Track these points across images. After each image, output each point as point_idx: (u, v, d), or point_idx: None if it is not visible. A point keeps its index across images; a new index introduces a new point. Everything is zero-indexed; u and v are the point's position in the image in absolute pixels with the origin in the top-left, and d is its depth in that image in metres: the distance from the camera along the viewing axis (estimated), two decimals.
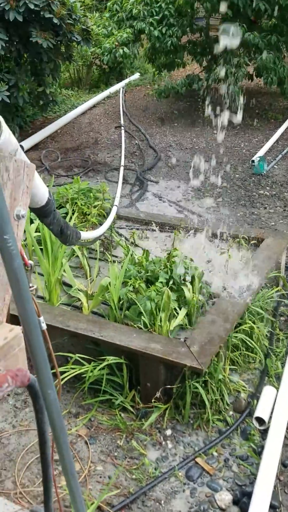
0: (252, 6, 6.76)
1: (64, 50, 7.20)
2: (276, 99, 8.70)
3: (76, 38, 6.74)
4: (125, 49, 7.79)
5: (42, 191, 1.30)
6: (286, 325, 3.35)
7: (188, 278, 3.08)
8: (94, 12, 10.68)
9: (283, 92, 7.85)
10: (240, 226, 4.67)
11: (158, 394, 2.54)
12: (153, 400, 2.55)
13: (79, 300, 3.10)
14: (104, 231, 3.31)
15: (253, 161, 6.10)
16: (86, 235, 2.29)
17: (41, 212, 1.39)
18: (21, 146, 4.70)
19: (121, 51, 7.79)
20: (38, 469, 2.34)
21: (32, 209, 1.37)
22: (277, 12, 6.75)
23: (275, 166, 6.18)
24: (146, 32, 7.66)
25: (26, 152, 6.96)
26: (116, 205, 4.29)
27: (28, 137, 7.35)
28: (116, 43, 7.75)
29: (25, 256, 1.13)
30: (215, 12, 7.41)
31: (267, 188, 5.61)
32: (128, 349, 2.58)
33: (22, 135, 7.49)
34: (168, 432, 2.53)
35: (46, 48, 6.37)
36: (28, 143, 7.17)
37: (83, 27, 6.78)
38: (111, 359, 2.59)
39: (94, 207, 4.11)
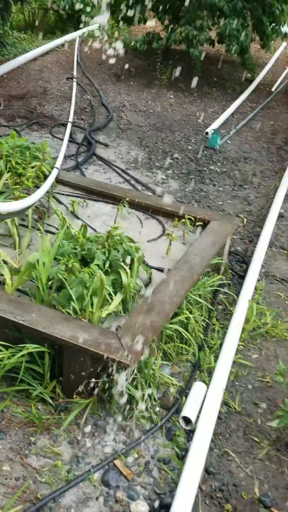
0: None
1: None
2: (236, 69, 8.41)
3: None
4: None
5: None
6: (223, 314, 3.21)
7: (127, 260, 2.84)
8: None
9: (244, 62, 7.58)
10: (187, 203, 4.46)
11: (81, 388, 2.32)
12: (74, 396, 2.33)
13: (3, 275, 2.78)
14: (35, 200, 2.96)
15: (207, 133, 5.85)
16: (8, 206, 1.96)
17: None
18: None
19: None
20: None
21: None
22: None
23: (228, 141, 5.96)
24: None
25: None
26: (57, 168, 3.92)
27: None
28: None
29: None
30: None
31: (218, 164, 5.40)
32: (52, 337, 2.33)
33: None
34: (88, 428, 2.33)
35: None
36: None
37: None
38: (31, 348, 2.33)
39: (32, 167, 3.73)
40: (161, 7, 7.49)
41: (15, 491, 2.02)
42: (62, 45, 8.98)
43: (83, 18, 9.87)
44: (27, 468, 2.13)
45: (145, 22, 7.84)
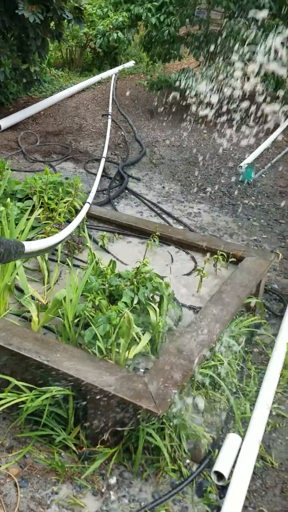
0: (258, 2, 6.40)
1: (53, 28, 6.72)
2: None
3: (67, 15, 6.27)
4: (120, 33, 7.35)
5: None
6: (259, 358, 3.03)
7: (156, 298, 2.73)
8: None
9: (285, 97, 7.53)
10: (219, 238, 4.35)
11: (106, 436, 2.18)
12: (97, 446, 2.20)
13: (30, 312, 2.71)
14: (65, 237, 2.91)
15: (241, 167, 5.76)
16: (35, 245, 1.91)
17: None
18: None
19: (115, 35, 7.35)
20: None
21: None
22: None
23: (263, 175, 5.85)
24: (143, 18, 7.21)
25: (3, 132, 6.50)
26: (88, 202, 3.89)
27: (8, 115, 6.87)
28: (111, 27, 7.29)
29: None
30: (217, 5, 7.02)
31: (253, 198, 5.28)
32: (76, 379, 2.22)
33: (2, 113, 7.01)
34: (113, 480, 2.18)
35: (33, 23, 5.89)
36: (7, 121, 6.69)
37: (76, 4, 6.32)
38: (55, 390, 2.22)
39: (65, 203, 3.71)
40: (196, 43, 7.59)
41: None
42: (99, 82, 9.20)
43: (119, 56, 10.14)
44: None
45: (180, 59, 7.93)
